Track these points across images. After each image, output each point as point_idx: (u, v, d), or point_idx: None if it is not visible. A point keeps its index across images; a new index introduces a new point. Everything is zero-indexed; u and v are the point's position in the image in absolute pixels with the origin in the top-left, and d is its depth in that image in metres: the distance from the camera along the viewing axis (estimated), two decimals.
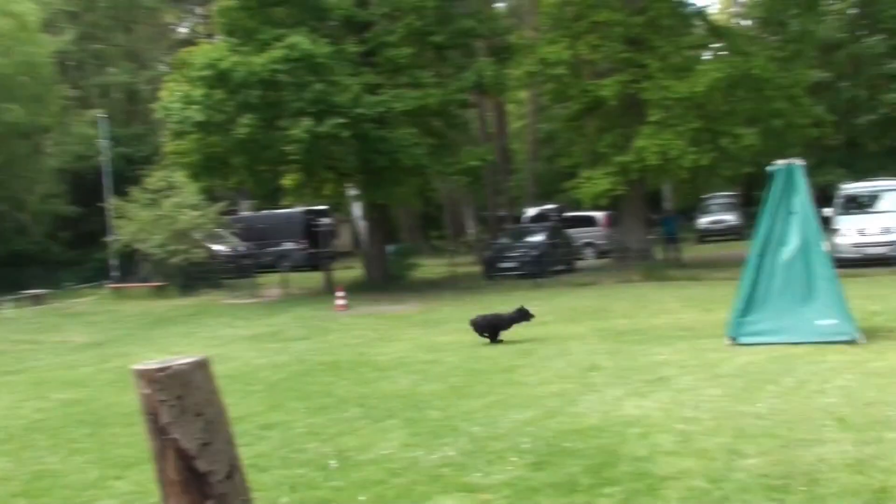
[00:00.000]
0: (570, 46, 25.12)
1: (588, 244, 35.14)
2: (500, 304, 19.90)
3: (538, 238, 28.34)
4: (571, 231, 32.79)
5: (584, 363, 10.78)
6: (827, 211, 24.64)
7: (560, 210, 37.95)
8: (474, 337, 13.90)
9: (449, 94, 24.49)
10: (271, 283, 28.25)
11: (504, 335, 13.42)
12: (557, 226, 31.78)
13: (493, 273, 27.21)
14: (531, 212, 37.64)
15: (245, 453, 7.03)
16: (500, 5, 47.93)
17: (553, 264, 26.48)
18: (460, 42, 26.24)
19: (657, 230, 30.65)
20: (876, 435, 6.47)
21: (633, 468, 6.13)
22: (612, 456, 6.46)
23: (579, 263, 31.32)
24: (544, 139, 45.06)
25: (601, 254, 34.05)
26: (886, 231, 22.54)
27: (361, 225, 33.13)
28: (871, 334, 11.23)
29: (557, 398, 8.74)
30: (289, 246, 36.14)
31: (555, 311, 17.85)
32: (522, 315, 13.53)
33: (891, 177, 30.62)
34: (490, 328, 13.46)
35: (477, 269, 29.99)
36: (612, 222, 34.87)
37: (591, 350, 11.96)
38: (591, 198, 25.53)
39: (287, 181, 28.61)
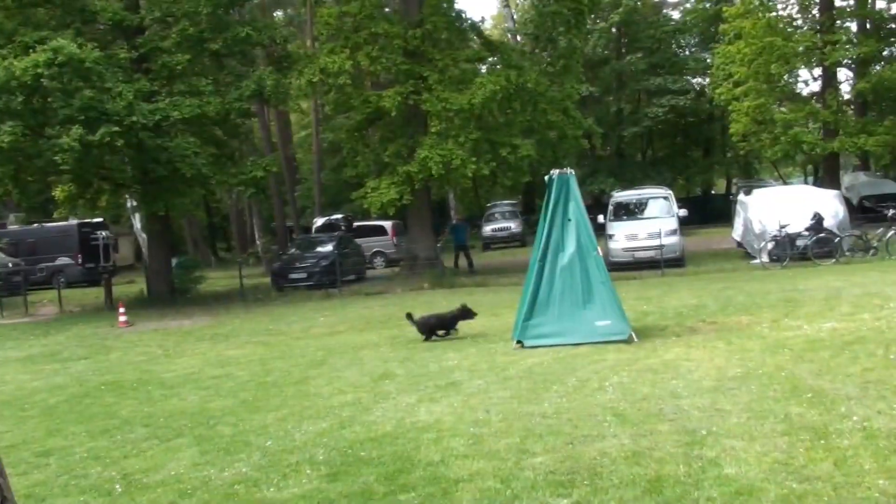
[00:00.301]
0: (351, 57, 25.18)
1: (377, 253, 35.50)
2: (290, 315, 19.78)
3: (327, 248, 28.28)
4: (360, 240, 32.98)
5: (377, 371, 10.86)
6: (600, 217, 26.17)
7: (348, 220, 38.10)
8: (265, 350, 13.72)
9: (229, 102, 23.98)
10: (45, 301, 26.60)
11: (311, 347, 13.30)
12: (346, 235, 31.87)
13: (282, 284, 26.91)
14: (319, 222, 37.52)
15: (20, 483, 6.66)
16: (278, 14, 47.54)
17: (343, 274, 26.50)
18: (238, 50, 25.74)
19: (449, 238, 31.33)
20: (650, 427, 6.93)
21: (427, 473, 6.25)
22: (407, 462, 6.57)
23: (369, 273, 31.57)
24: (329, 149, 45.08)
25: (391, 262, 34.47)
26: (654, 236, 24.11)
27: (143, 237, 31.87)
28: (644, 333, 12.03)
29: (351, 407, 8.78)
30: (64, 261, 34.25)
31: (346, 320, 17.90)
32: (465, 313, 13.48)
33: (656, 185, 32.92)
34: (437, 327, 13.47)
35: (266, 280, 29.57)
36: (400, 231, 35.40)
37: (383, 358, 12.06)
38: (379, 207, 25.75)
39: (58, 192, 27.00)
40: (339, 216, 38.91)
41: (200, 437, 8.02)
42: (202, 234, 52.15)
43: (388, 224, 35.84)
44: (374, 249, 35.34)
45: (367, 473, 6.37)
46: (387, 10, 27.74)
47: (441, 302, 19.94)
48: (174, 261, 28.76)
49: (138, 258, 41.16)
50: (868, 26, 39.18)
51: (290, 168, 42.47)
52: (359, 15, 25.76)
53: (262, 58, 29.54)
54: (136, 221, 33.83)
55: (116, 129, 20.86)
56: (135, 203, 28.36)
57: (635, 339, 11.45)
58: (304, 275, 26.99)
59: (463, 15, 28.92)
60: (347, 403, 9.02)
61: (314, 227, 37.33)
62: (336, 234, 31.78)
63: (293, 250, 29.81)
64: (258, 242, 45.69)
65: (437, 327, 13.58)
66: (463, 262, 29.19)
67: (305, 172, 48.74)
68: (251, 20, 26.96)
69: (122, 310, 20.48)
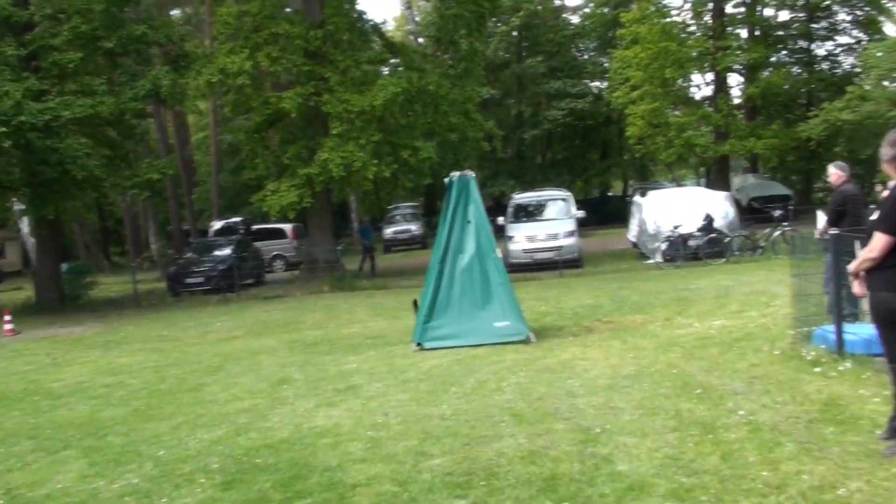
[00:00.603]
0: (251, 57, 24.75)
1: (277, 257, 35.09)
2: (186, 320, 19.37)
3: (225, 252, 27.76)
4: (260, 244, 32.55)
5: (275, 377, 10.72)
6: (500, 219, 26.43)
7: (247, 223, 37.54)
8: (158, 357, 13.42)
9: (123, 102, 23.32)
10: None
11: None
12: (245, 239, 31.38)
13: (178, 289, 26.32)
14: (217, 225, 36.84)
15: None
16: (175, 13, 46.53)
17: (241, 278, 26.08)
18: (133, 48, 25.06)
19: (349, 242, 31.13)
20: (546, 427, 7.02)
21: (324, 478, 6.20)
22: (304, 468, 6.50)
23: (269, 276, 31.18)
24: (228, 151, 44.32)
25: (291, 266, 34.11)
26: (552, 237, 24.44)
27: (30, 242, 30.74)
28: (542, 333, 12.20)
29: (248, 414, 8.64)
30: None
31: (244, 325, 17.63)
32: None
33: (555, 187, 33.41)
34: None
35: (161, 285, 28.90)
36: (300, 234, 35.06)
37: (281, 363, 11.91)
38: (278, 210, 25.37)
39: None
40: (237, 219, 38.24)
41: (89, 448, 7.77)
42: (95, 239, 50.64)
43: (287, 227, 35.43)
44: (274, 253, 34.92)
45: (263, 481, 6.28)
46: (288, 10, 27.33)
47: (342, 305, 19.85)
48: (64, 266, 27.83)
49: (26, 264, 39.72)
50: (757, 33, 40.64)
51: (188, 170, 41.52)
52: (259, 15, 25.34)
53: (158, 57, 28.80)
54: (24, 225, 32.62)
55: (3, 129, 20.06)
56: (23, 206, 27.29)
57: (533, 340, 11.59)
58: (200, 279, 26.45)
59: (365, 16, 28.79)
60: (244, 410, 8.87)
61: (212, 230, 36.61)
62: (234, 237, 31.24)
63: (190, 254, 29.17)
64: (153, 246, 44.62)
65: None
66: (368, 264, 29.08)
67: (203, 175, 47.76)
68: (147, 18, 26.25)
69: (7, 318, 19.65)
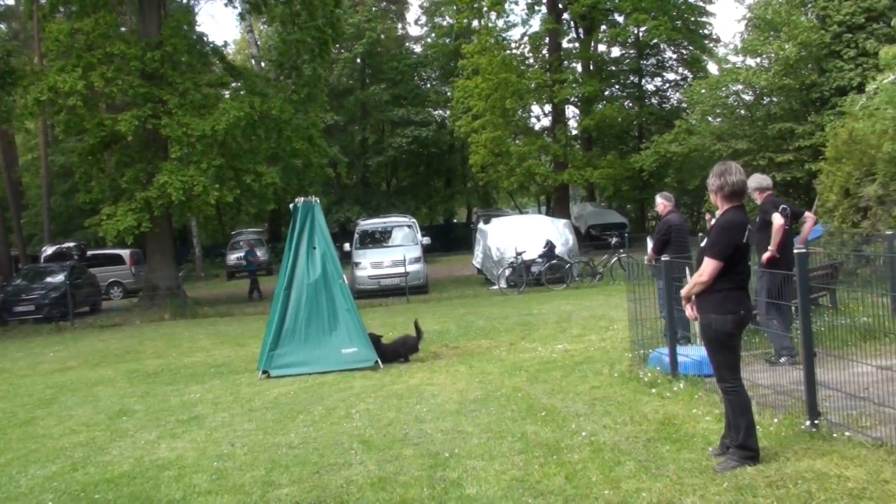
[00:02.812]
0: (83, 77, 23.78)
1: (114, 283, 33.79)
2: (15, 351, 18.35)
3: (57, 278, 26.49)
4: (96, 270, 31.25)
5: (114, 408, 10.31)
6: (346, 245, 26.39)
7: (81, 248, 35.94)
8: None
9: None
10: None
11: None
12: (79, 265, 30.05)
13: (6, 318, 24.90)
14: (49, 250, 35.07)
15: None
16: (0, 27, 44.33)
17: (76, 306, 24.93)
18: None
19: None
20: (395, 452, 7.04)
21: None
22: (147, 502, 6.31)
23: (105, 304, 29.96)
24: (60, 173, 42.38)
25: (129, 293, 32.93)
26: (398, 263, 24.58)
27: None
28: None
29: (85, 448, 8.27)
30: None
31: (79, 355, 16.86)
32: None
33: (400, 213, 33.67)
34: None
35: None
36: (139, 260, 33.91)
37: (121, 394, 11.46)
38: (115, 235, 24.43)
39: None
40: (71, 244, 36.55)
41: None
42: None
43: (125, 252, 34.20)
44: (111, 279, 33.61)
45: None
46: (123, 29, 26.50)
47: (184, 333, 19.29)
48: None
49: None
50: (591, 67, 42.34)
51: (15, 192, 39.33)
52: (92, 33, 24.42)
53: None
54: None
55: None
56: None
57: (381, 366, 11.61)
58: (31, 307, 25.17)
59: (205, 38, 28.31)
60: (80, 444, 8.49)
61: (43, 255, 34.86)
62: (68, 263, 29.85)
63: (19, 281, 27.67)
64: None
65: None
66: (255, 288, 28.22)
67: (33, 198, 45.44)
68: None
69: None
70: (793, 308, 8.37)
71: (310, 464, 6.91)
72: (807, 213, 9.99)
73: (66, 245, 36.11)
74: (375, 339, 12.09)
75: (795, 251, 6.74)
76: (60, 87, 23.42)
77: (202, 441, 8.13)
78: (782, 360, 8.72)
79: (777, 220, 8.96)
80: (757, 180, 9.51)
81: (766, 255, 8.97)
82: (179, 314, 23.61)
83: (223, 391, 10.89)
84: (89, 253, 35.14)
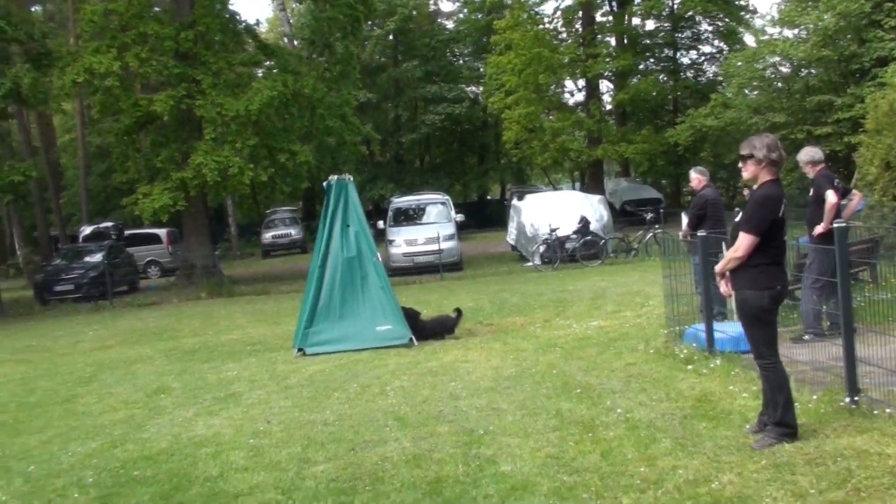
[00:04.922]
0: (118, 57, 23.92)
1: (152, 262, 34.18)
2: (55, 329, 18.62)
3: (96, 258, 26.82)
4: (133, 249, 31.60)
5: (152, 386, 10.43)
6: (380, 223, 26.43)
7: (119, 228, 36.36)
8: (27, 368, 12.86)
9: None
10: None
11: None
12: (117, 244, 30.40)
13: (47, 297, 25.28)
14: (87, 230, 35.52)
15: None
16: (36, 9, 44.68)
17: (114, 285, 25.23)
18: None
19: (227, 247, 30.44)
20: (430, 430, 7.05)
21: (205, 489, 6.08)
22: (184, 479, 6.36)
23: (143, 283, 30.30)
24: (97, 153, 42.83)
25: (166, 272, 33.26)
26: (432, 241, 24.56)
27: None
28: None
29: (124, 425, 8.38)
30: None
31: (118, 333, 17.06)
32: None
33: (434, 191, 33.63)
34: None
35: (28, 293, 27.67)
36: (175, 239, 34.23)
37: (158, 372, 11.59)
38: (151, 214, 24.64)
39: None
40: (108, 224, 36.98)
41: None
42: None
43: (162, 232, 34.56)
44: (148, 258, 33.98)
45: (141, 493, 6.11)
46: (157, 9, 26.58)
47: (220, 312, 19.45)
48: None
49: None
50: (625, 41, 41.90)
51: (54, 173, 39.84)
52: (126, 13, 24.55)
53: (19, 55, 27.56)
54: None
55: None
56: None
57: (415, 343, 11.63)
58: (70, 286, 25.50)
59: (237, 17, 28.33)
60: (119, 421, 8.60)
61: (81, 235, 35.31)
62: (105, 242, 30.20)
63: (58, 261, 28.05)
64: (19, 253, 42.67)
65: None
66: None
67: (71, 178, 46.01)
68: (5, 14, 24.97)
69: None
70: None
71: (345, 441, 6.95)
72: (854, 191, 9.87)
73: (104, 225, 36.56)
74: (414, 315, 12.13)
75: (834, 225, 6.64)
76: (96, 68, 23.56)
77: (238, 418, 8.20)
78: (806, 337, 8.65)
79: (831, 197, 8.80)
80: (809, 153, 9.37)
81: (818, 230, 8.83)
82: (216, 292, 23.80)
83: (259, 369, 10.97)
84: (127, 232, 35.56)
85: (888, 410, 6.03)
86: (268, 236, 41.40)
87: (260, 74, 29.34)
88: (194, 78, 24.72)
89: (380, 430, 7.21)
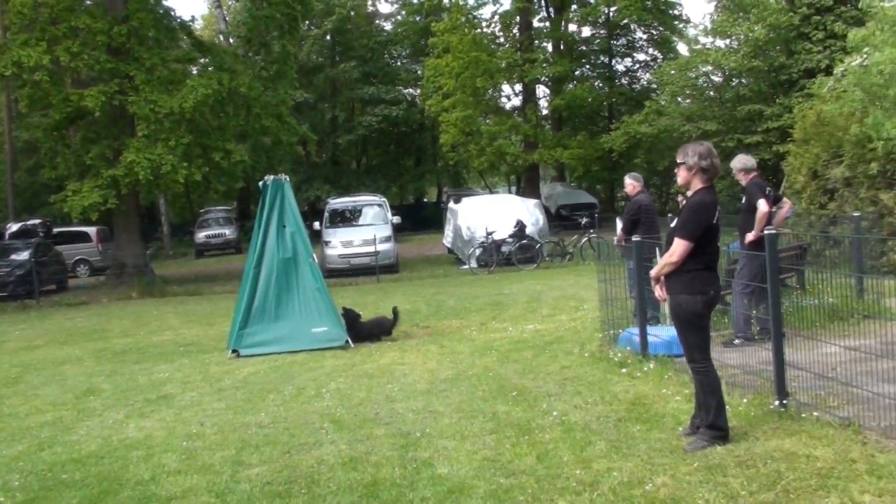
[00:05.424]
0: (48, 51, 23.34)
1: (81, 261, 33.41)
2: None
3: (23, 255, 26.11)
4: (62, 247, 30.84)
5: (81, 387, 10.21)
6: (316, 224, 26.27)
7: (47, 225, 35.47)
8: None
9: None
10: None
11: None
12: (44, 242, 29.65)
13: None
14: (13, 227, 34.57)
15: None
16: None
17: (42, 284, 24.60)
18: None
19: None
20: (367, 432, 7.03)
21: (136, 493, 5.97)
22: (115, 482, 6.23)
23: (72, 282, 29.62)
24: (24, 148, 41.75)
25: (96, 271, 32.58)
26: (369, 242, 24.48)
27: None
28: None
29: (52, 427, 8.19)
30: None
31: (46, 333, 16.68)
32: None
33: (370, 192, 33.55)
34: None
35: None
36: (106, 238, 33.55)
37: (88, 373, 11.36)
38: (81, 212, 24.10)
39: None
40: (36, 221, 36.05)
41: None
42: None
43: (92, 230, 33.81)
44: (77, 257, 33.21)
45: (69, 497, 5.98)
46: (89, 2, 26.00)
47: (152, 312, 19.13)
48: None
49: None
50: (562, 47, 42.33)
51: None
52: (57, 6, 23.93)
53: None
54: None
55: None
56: None
57: (351, 345, 11.59)
58: None
59: (172, 13, 27.84)
60: (47, 423, 8.40)
61: (7, 232, 34.37)
62: (33, 240, 29.42)
63: None
64: None
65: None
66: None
67: None
68: None
69: None
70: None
71: (280, 443, 6.88)
72: (784, 199, 10.10)
73: (32, 222, 35.61)
74: (354, 316, 12.09)
75: (765, 232, 6.79)
76: (25, 61, 22.96)
77: (171, 420, 8.07)
78: (736, 342, 8.84)
79: (763, 206, 8.99)
80: (742, 161, 9.56)
81: (749, 237, 9.01)
82: (147, 292, 23.40)
83: (192, 370, 10.83)
84: (55, 230, 34.69)
85: (815, 413, 6.19)
86: (201, 236, 40.81)
87: (195, 72, 28.93)
88: (127, 74, 24.26)
89: (315, 432, 7.16)
